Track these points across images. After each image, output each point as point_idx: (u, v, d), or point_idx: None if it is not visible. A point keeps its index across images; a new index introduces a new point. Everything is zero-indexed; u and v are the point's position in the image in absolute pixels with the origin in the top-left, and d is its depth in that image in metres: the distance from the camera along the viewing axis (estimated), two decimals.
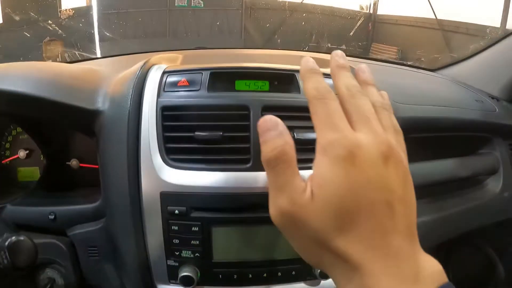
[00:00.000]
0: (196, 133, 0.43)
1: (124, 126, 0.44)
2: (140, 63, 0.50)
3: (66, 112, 0.47)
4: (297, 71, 0.49)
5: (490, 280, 0.78)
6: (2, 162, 0.65)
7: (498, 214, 0.66)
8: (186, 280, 0.43)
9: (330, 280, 0.47)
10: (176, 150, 0.43)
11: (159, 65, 0.50)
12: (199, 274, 0.44)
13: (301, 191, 0.25)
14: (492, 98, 0.67)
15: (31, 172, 0.65)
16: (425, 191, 0.62)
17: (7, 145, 0.65)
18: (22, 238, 0.39)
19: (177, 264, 0.44)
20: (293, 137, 0.44)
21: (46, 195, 0.58)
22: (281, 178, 0.26)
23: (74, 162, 0.62)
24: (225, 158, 0.43)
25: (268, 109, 0.44)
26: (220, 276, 0.45)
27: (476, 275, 0.81)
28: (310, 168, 0.44)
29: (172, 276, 0.45)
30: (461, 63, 0.75)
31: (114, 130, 0.45)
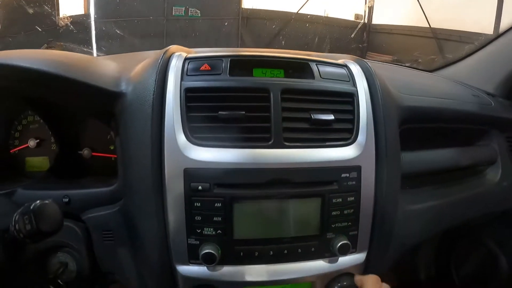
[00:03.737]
0: (220, 112, 0.45)
1: (148, 107, 0.45)
2: (161, 51, 0.52)
3: (90, 93, 0.48)
4: (311, 60, 0.52)
5: (493, 273, 0.80)
6: (11, 151, 0.64)
7: (499, 202, 0.69)
8: (208, 258, 0.43)
9: (348, 257, 0.48)
10: (200, 129, 0.45)
11: (180, 53, 0.52)
12: (220, 251, 0.44)
13: None
14: (488, 94, 0.72)
15: (40, 162, 0.65)
16: (430, 179, 0.64)
17: (17, 135, 0.65)
18: (47, 201, 0.39)
19: (198, 242, 0.45)
20: (310, 118, 0.47)
21: (58, 181, 0.58)
22: None
23: (86, 152, 0.62)
24: (247, 136, 0.45)
25: (287, 92, 0.47)
26: (242, 253, 0.45)
27: (479, 268, 0.83)
28: (325, 146, 0.46)
29: (192, 255, 0.45)
30: (457, 63, 0.80)
31: (138, 111, 0.46)
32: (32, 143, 0.63)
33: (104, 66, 0.53)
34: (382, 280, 0.47)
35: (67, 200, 0.52)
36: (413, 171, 0.59)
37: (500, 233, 0.81)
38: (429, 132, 0.65)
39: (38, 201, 0.38)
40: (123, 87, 0.49)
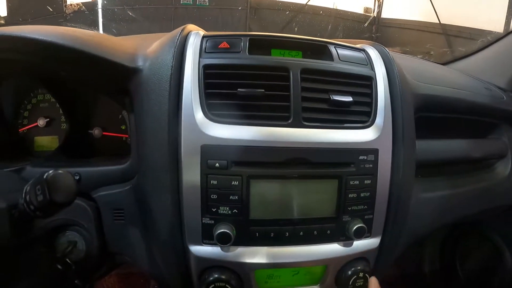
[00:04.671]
0: (239, 89, 0.44)
1: (166, 82, 0.45)
2: (178, 29, 0.51)
3: (106, 68, 0.47)
4: (330, 43, 0.52)
5: (497, 268, 0.80)
6: (19, 130, 0.63)
7: (508, 196, 0.69)
8: (223, 237, 0.43)
9: (362, 241, 0.48)
10: (218, 106, 0.44)
11: (197, 31, 0.51)
12: (235, 232, 0.44)
13: None
14: (500, 89, 0.72)
15: (49, 142, 0.64)
16: (441, 170, 0.64)
17: (26, 114, 0.64)
18: (61, 171, 0.36)
19: (212, 222, 0.44)
20: (329, 98, 0.46)
21: (68, 159, 0.57)
22: None
23: (96, 131, 0.62)
24: (266, 115, 0.44)
25: (306, 72, 0.46)
26: (257, 234, 0.44)
27: (483, 263, 0.83)
28: (343, 127, 0.46)
29: (206, 235, 0.45)
30: (469, 57, 0.80)
31: (155, 87, 0.45)
32: (41, 122, 0.62)
33: (120, 43, 0.53)
34: (388, 271, 0.47)
35: (78, 177, 0.51)
36: (425, 159, 0.58)
37: (506, 229, 0.81)
38: (441, 123, 0.64)
39: (51, 171, 0.36)
40: (140, 63, 0.48)
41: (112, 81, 0.51)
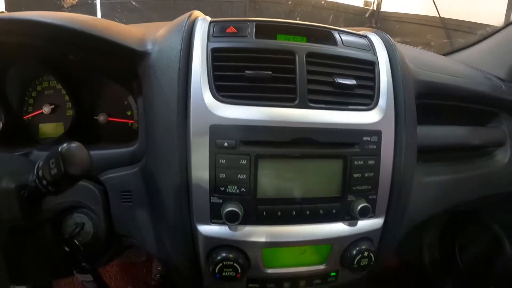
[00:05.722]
0: (246, 71, 0.45)
1: (175, 66, 0.46)
2: (185, 15, 0.52)
3: (115, 52, 0.48)
4: (333, 29, 0.53)
5: (497, 257, 0.81)
6: (24, 118, 0.64)
7: (507, 184, 0.70)
8: (231, 216, 0.43)
9: (367, 221, 0.49)
10: (226, 88, 0.45)
11: (204, 17, 0.52)
12: (242, 211, 0.44)
13: None
14: (499, 79, 0.74)
15: (54, 129, 0.64)
16: (441, 156, 0.66)
17: (31, 101, 0.64)
18: (75, 144, 0.36)
19: (220, 201, 0.45)
20: (334, 81, 0.47)
21: None
22: None
23: (102, 117, 0.62)
24: (273, 96, 0.45)
25: (312, 55, 0.48)
26: (264, 213, 0.45)
27: (483, 252, 0.84)
28: (347, 109, 0.47)
29: (214, 214, 0.45)
30: (468, 48, 0.82)
31: (164, 69, 0.46)
32: (46, 109, 0.62)
33: (127, 28, 0.53)
34: (386, 261, 0.48)
35: None
36: (426, 144, 0.60)
37: (505, 217, 0.82)
38: (441, 110, 0.66)
39: (65, 144, 0.36)
40: (149, 47, 0.49)
41: (121, 65, 0.51)
